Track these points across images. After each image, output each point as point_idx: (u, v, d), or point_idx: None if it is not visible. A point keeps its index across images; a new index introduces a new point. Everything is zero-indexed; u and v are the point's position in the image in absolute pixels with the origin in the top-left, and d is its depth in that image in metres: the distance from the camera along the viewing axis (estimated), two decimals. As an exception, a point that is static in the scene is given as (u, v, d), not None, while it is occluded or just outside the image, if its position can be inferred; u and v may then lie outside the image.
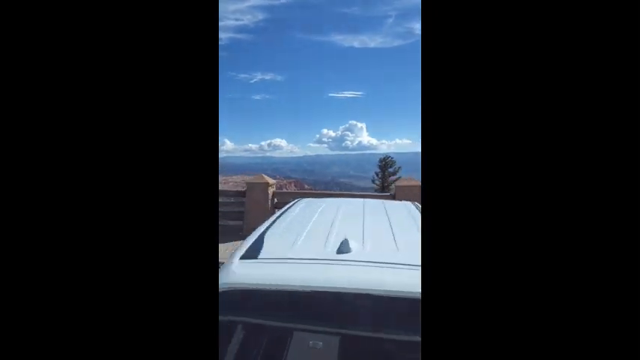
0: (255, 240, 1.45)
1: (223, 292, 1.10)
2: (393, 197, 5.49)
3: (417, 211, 2.04)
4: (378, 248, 1.36)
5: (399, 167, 26.66)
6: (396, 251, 1.33)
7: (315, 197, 2.89)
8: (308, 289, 1.10)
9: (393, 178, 25.48)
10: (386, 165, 26.34)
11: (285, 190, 11.91)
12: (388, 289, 1.08)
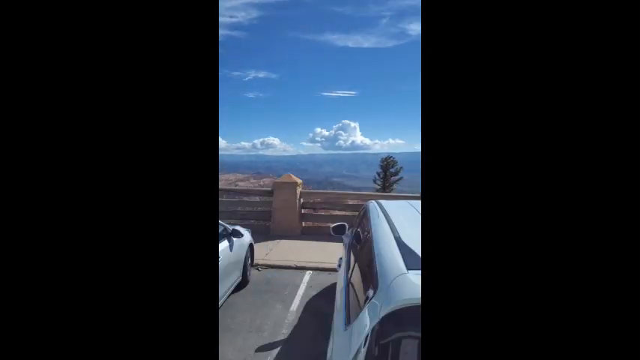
0: (401, 247, 1.36)
1: (412, 306, 0.98)
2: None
3: None
4: None
5: (401, 167, 25.73)
6: None
7: (364, 199, 2.75)
8: None
9: (394, 178, 24.64)
10: (387, 165, 25.36)
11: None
12: None
